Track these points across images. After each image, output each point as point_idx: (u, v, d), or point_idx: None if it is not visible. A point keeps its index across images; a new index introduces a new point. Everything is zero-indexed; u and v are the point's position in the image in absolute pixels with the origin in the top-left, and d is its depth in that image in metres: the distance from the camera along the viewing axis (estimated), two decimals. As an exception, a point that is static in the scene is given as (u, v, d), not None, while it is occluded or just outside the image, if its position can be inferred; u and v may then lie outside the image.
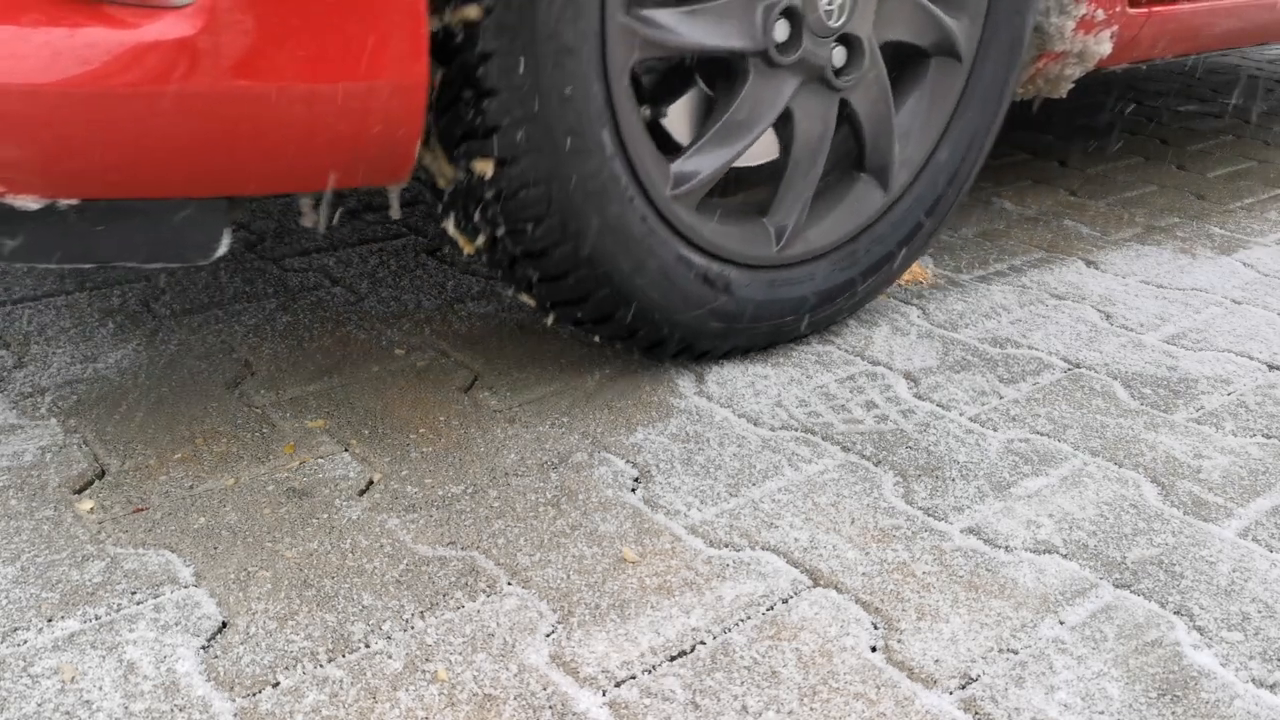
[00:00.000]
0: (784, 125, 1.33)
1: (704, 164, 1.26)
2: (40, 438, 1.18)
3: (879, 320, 1.54)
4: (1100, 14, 1.59)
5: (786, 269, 1.38)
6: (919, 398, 1.33)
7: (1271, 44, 2.16)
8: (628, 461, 1.17)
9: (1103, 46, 1.62)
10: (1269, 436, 1.25)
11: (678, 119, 1.37)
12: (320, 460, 1.16)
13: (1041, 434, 1.25)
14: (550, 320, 1.30)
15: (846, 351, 1.44)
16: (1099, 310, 1.60)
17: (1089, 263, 1.79)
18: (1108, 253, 1.84)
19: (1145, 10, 1.68)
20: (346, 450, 1.18)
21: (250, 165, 0.96)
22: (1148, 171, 2.33)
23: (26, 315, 1.49)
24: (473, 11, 1.03)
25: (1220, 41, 1.95)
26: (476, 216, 1.16)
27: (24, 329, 1.45)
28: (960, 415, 1.29)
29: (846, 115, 1.37)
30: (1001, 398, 1.33)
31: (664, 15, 1.17)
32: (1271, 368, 1.43)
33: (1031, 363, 1.43)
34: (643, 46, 1.16)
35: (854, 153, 1.43)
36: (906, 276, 1.68)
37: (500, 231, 1.16)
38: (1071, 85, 1.68)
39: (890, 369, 1.40)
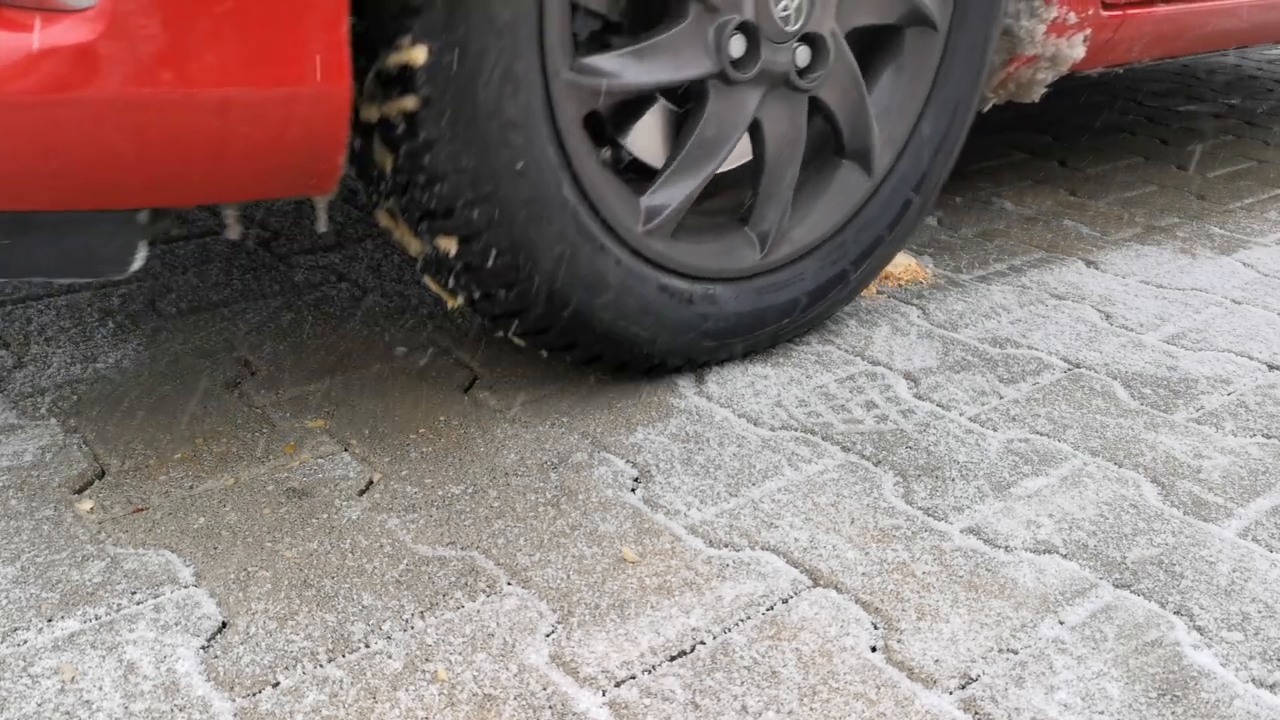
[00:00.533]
0: (754, 135, 1.30)
1: (674, 194, 1.24)
2: (40, 438, 1.18)
3: (879, 320, 1.54)
4: (1072, 17, 1.55)
5: (774, 273, 1.36)
6: (919, 398, 1.33)
7: (1253, 46, 2.13)
8: (628, 461, 1.17)
9: (1075, 50, 1.59)
10: (1269, 436, 1.25)
11: (646, 139, 1.34)
12: (320, 460, 1.16)
13: (1041, 434, 1.25)
14: (545, 354, 1.29)
15: (846, 351, 1.44)
16: (1099, 310, 1.60)
17: (1089, 263, 1.79)
18: (1108, 253, 1.84)
19: (1120, 13, 1.63)
20: (346, 450, 1.18)
21: (160, 176, 0.91)
22: (1148, 171, 2.33)
23: (26, 315, 1.49)
24: (410, 102, 1.01)
25: (1202, 44, 1.90)
26: (450, 283, 1.16)
27: (24, 329, 1.45)
28: (960, 415, 1.29)
29: (819, 108, 1.34)
30: (1001, 398, 1.33)
31: (609, 61, 1.14)
32: (1271, 368, 1.43)
33: (1031, 363, 1.43)
34: (591, 97, 1.14)
35: (832, 140, 1.39)
36: (906, 276, 1.68)
37: (476, 295, 1.16)
38: (1045, 90, 1.64)
39: (890, 369, 1.40)
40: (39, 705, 0.82)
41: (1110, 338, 1.51)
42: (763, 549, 1.03)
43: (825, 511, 1.09)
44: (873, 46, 1.40)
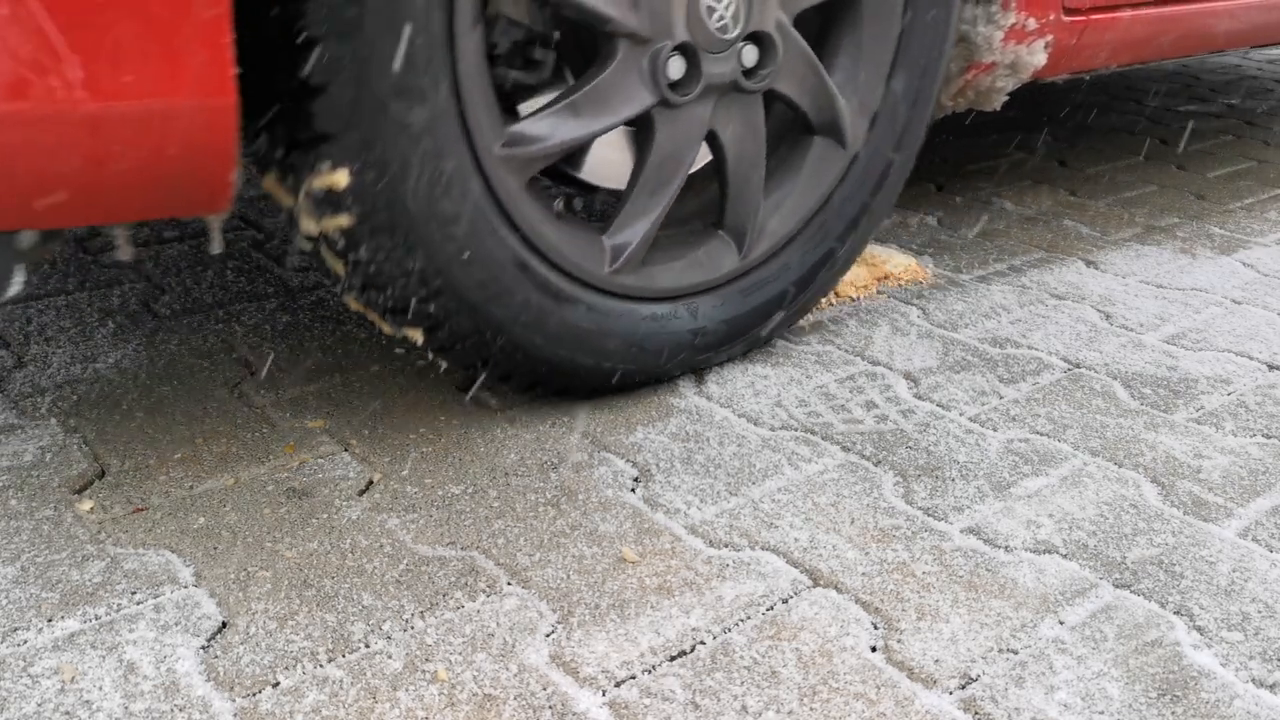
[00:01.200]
0: (711, 144, 1.25)
1: (637, 228, 1.21)
2: (40, 438, 1.18)
3: (879, 320, 1.54)
4: (1032, 23, 1.50)
5: (757, 271, 1.33)
6: (919, 398, 1.33)
7: (1229, 50, 2.09)
8: (628, 461, 1.17)
9: (1036, 57, 1.54)
10: (1269, 436, 1.25)
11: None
12: (320, 460, 1.16)
13: (1041, 434, 1.25)
14: None
15: (846, 351, 1.44)
16: (1099, 310, 1.60)
17: (1089, 263, 1.79)
18: (1108, 253, 1.84)
19: (1083, 18, 1.58)
20: (346, 450, 1.18)
21: (30, 197, 0.86)
22: (1148, 171, 2.33)
23: (26, 315, 1.49)
24: (344, 220, 1.01)
25: (1174, 49, 1.84)
26: (432, 357, 1.17)
27: (24, 329, 1.45)
28: (960, 415, 1.29)
29: (777, 98, 1.29)
30: (1001, 398, 1.33)
31: (539, 125, 1.11)
32: (1271, 368, 1.43)
33: (1031, 363, 1.43)
34: (530, 164, 1.11)
35: (800, 121, 1.34)
36: (906, 276, 1.68)
37: (459, 367, 1.17)
38: (1006, 98, 1.60)
39: (890, 369, 1.40)
40: (39, 705, 0.82)
41: (1110, 338, 1.51)
42: (763, 549, 1.03)
43: (825, 511, 1.09)
44: (829, 15, 1.34)
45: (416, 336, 1.13)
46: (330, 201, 1.01)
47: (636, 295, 1.23)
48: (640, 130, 1.20)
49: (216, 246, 1.07)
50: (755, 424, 1.25)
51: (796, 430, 1.24)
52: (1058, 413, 1.30)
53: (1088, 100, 2.96)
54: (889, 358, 1.43)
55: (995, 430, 1.25)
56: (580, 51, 1.24)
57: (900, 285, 1.67)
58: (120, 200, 0.90)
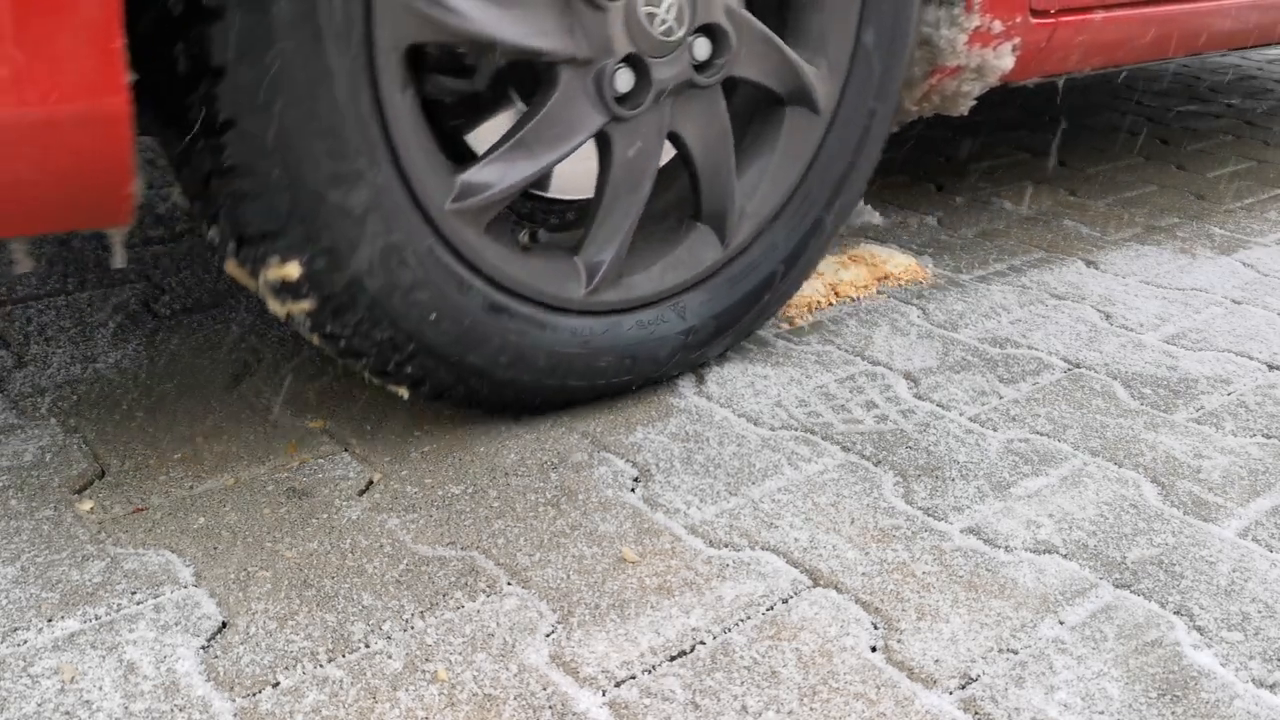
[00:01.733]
0: (675, 144, 1.22)
1: (610, 245, 1.19)
2: (40, 438, 1.18)
3: (879, 320, 1.54)
4: (997, 26, 1.45)
5: (742, 256, 1.29)
6: (919, 398, 1.32)
7: (1208, 53, 2.07)
8: (627, 461, 1.17)
9: (1004, 61, 1.50)
10: (1269, 436, 1.25)
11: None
12: (320, 460, 1.16)
13: (1041, 434, 1.25)
14: None
15: (846, 351, 1.44)
16: (1099, 310, 1.60)
17: (1089, 263, 1.79)
18: (1108, 253, 1.84)
19: (1051, 21, 1.53)
20: (346, 450, 1.18)
21: None
22: (1148, 171, 2.33)
23: (26, 315, 1.49)
24: (306, 305, 1.02)
25: (1150, 52, 1.79)
26: (433, 403, 1.18)
27: (24, 329, 1.45)
28: (960, 415, 1.29)
29: (738, 83, 1.23)
30: (1001, 398, 1.33)
31: (489, 170, 1.09)
32: (1271, 368, 1.43)
33: (1031, 363, 1.43)
34: (486, 210, 1.10)
35: (768, 95, 1.28)
36: (906, 276, 1.68)
37: (452, 407, 1.17)
38: (973, 102, 1.56)
39: (890, 369, 1.40)
40: (39, 705, 0.82)
41: (1110, 338, 1.51)
42: (763, 549, 1.03)
43: (825, 511, 1.09)
44: None
45: (403, 392, 1.14)
46: (288, 290, 1.01)
47: (619, 308, 1.22)
48: (598, 147, 1.17)
49: (119, 260, 1.06)
50: (755, 424, 1.25)
51: (796, 430, 1.24)
52: (1058, 413, 1.30)
53: (1088, 100, 2.96)
54: (889, 358, 1.43)
55: (995, 430, 1.25)
56: (523, 70, 1.21)
57: (900, 285, 1.67)
58: (11, 213, 0.86)
